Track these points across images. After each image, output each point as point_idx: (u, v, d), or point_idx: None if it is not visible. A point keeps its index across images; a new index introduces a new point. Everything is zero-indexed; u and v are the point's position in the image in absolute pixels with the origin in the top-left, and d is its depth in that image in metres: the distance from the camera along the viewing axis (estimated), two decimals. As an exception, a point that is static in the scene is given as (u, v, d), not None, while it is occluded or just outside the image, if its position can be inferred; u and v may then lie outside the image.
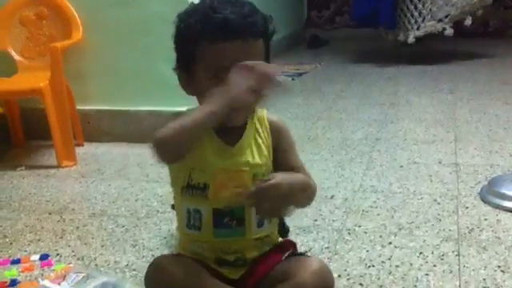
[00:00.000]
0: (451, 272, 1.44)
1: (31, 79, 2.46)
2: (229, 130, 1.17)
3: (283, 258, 1.20)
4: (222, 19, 1.08)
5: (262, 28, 1.13)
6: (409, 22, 4.22)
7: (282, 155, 1.23)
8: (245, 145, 1.18)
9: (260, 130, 1.21)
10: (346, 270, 1.47)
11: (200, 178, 1.16)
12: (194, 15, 1.13)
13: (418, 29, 4.19)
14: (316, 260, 1.19)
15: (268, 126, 1.22)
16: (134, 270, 1.52)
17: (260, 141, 1.20)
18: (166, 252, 1.58)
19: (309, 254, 1.55)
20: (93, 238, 1.73)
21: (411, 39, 4.17)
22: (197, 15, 1.12)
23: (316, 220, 1.77)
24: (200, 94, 1.13)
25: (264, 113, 1.23)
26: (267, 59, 1.16)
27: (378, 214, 1.79)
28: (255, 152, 1.19)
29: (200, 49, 1.10)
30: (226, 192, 1.15)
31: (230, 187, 1.15)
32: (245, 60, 1.08)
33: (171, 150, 1.11)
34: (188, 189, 1.19)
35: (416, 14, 4.17)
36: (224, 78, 1.07)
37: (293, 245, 1.29)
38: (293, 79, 3.96)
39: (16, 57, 2.63)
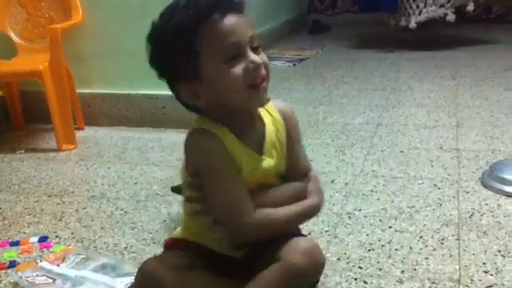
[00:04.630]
0: (451, 256, 1.43)
1: (30, 61, 2.45)
2: (247, 129, 1.14)
3: None
4: (214, 1, 1.06)
5: (243, 4, 1.11)
6: (410, 7, 4.18)
7: (290, 148, 1.22)
8: (269, 147, 1.17)
9: (279, 126, 1.19)
10: (345, 254, 1.46)
11: None
12: (179, 12, 1.07)
13: (419, 14, 4.16)
14: (305, 240, 1.17)
15: (281, 118, 1.20)
16: (133, 252, 1.52)
17: (281, 138, 1.19)
18: (165, 235, 1.58)
19: (307, 237, 1.56)
20: (92, 221, 1.73)
21: (413, 24, 4.14)
22: (182, 10, 1.07)
23: (316, 204, 1.76)
24: (219, 92, 1.07)
25: (270, 102, 1.17)
26: None
27: (378, 199, 1.79)
28: (278, 150, 1.18)
29: (201, 36, 1.05)
30: None
31: None
32: (249, 33, 1.06)
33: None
34: None
35: (418, -2, 4.14)
36: (237, 56, 1.05)
37: (296, 228, 1.28)
38: (294, 64, 3.94)
39: (15, 39, 2.61)
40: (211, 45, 1.05)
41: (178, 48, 1.07)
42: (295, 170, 1.22)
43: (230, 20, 1.06)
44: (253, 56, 1.07)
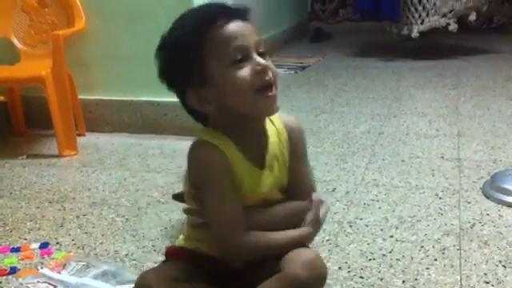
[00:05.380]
0: (452, 266, 1.43)
1: (33, 67, 2.45)
2: (251, 141, 1.13)
3: None
4: (219, 5, 1.09)
5: (247, 12, 1.13)
6: (413, 16, 4.19)
7: (293, 163, 1.19)
8: (271, 160, 1.16)
9: (281, 138, 1.18)
10: (346, 263, 1.46)
11: None
12: (185, 22, 1.10)
13: (421, 23, 4.17)
14: (308, 251, 1.16)
15: (285, 130, 1.18)
16: (134, 259, 1.52)
17: (283, 150, 1.17)
18: (166, 242, 1.58)
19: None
20: (93, 227, 1.73)
21: (415, 33, 4.15)
22: (188, 20, 1.10)
23: (317, 212, 1.76)
24: (227, 97, 1.07)
25: (277, 115, 1.17)
26: None
27: (380, 208, 1.79)
28: (280, 163, 1.17)
29: (208, 40, 1.06)
30: None
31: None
32: (254, 38, 1.07)
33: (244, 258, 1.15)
34: None
35: (420, 8, 4.15)
36: (243, 59, 1.06)
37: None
38: (296, 72, 3.95)
39: (18, 44, 2.62)
40: (217, 48, 1.06)
41: (185, 54, 1.08)
42: (298, 187, 1.19)
43: (235, 25, 1.07)
44: (259, 59, 1.07)
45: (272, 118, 1.17)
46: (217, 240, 1.13)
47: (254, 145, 1.14)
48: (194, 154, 1.12)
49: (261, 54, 1.09)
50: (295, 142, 1.19)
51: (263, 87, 1.07)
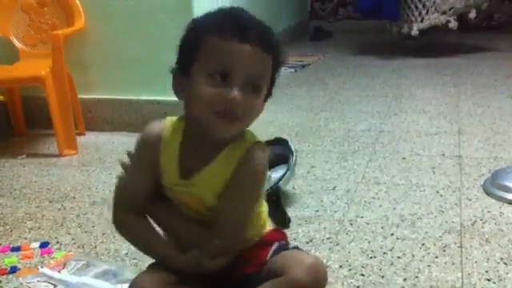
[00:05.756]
0: (453, 264, 1.43)
1: (32, 67, 2.45)
2: (200, 150, 1.11)
3: (268, 257, 1.16)
4: (237, 19, 1.05)
5: (275, 45, 1.08)
6: (412, 14, 4.19)
7: (227, 195, 1.11)
8: (202, 180, 1.11)
9: (230, 166, 1.10)
10: (347, 261, 1.46)
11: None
12: (210, 16, 1.09)
13: (421, 21, 4.17)
14: (310, 255, 1.15)
15: (240, 161, 1.09)
16: (134, 258, 1.52)
17: (223, 175, 1.11)
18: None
19: (309, 244, 1.55)
20: (93, 227, 1.72)
21: (415, 31, 4.14)
22: (212, 16, 1.09)
23: (317, 211, 1.76)
24: (191, 97, 1.07)
25: (252, 135, 1.12)
26: (270, 91, 1.11)
27: (380, 206, 1.78)
28: (211, 187, 1.11)
29: (205, 43, 1.04)
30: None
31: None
32: (252, 69, 1.04)
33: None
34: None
35: (420, 6, 4.14)
36: (221, 84, 1.02)
37: (280, 235, 1.25)
38: (296, 71, 3.94)
39: (17, 44, 2.62)
40: (208, 57, 1.04)
41: (187, 44, 1.09)
42: (220, 217, 1.11)
43: (241, 46, 1.03)
44: (236, 93, 1.02)
45: (249, 141, 1.11)
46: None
47: (199, 157, 1.11)
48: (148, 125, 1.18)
49: (252, 87, 1.04)
50: (242, 179, 1.10)
51: (223, 112, 1.03)
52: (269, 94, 1.11)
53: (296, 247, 1.23)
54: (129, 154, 1.21)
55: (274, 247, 1.18)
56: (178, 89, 1.11)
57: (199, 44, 1.06)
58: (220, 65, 1.03)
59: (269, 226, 1.25)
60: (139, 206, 1.17)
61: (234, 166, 1.10)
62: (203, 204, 1.14)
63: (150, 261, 1.45)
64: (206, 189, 1.12)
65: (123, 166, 1.21)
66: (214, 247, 1.11)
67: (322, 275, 1.12)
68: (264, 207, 1.23)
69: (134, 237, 1.20)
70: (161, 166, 1.14)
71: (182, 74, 1.09)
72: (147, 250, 1.20)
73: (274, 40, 1.09)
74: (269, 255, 1.17)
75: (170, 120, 1.16)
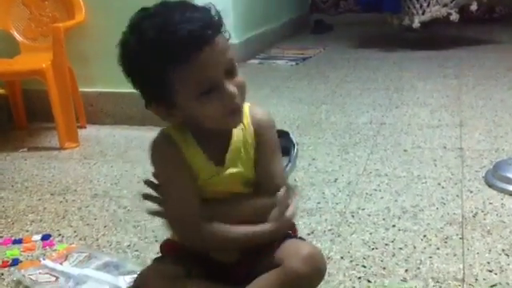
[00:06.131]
0: (455, 255, 1.43)
1: (33, 60, 2.45)
2: (213, 138, 1.12)
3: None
4: (185, 35, 0.98)
5: (217, 23, 1.05)
6: (414, 7, 4.17)
7: (261, 159, 1.15)
8: (233, 158, 1.13)
9: (246, 133, 1.14)
10: (349, 252, 1.46)
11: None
12: (150, 44, 1.01)
13: (423, 14, 4.15)
14: (308, 245, 1.15)
15: (252, 126, 1.14)
16: (136, 250, 1.52)
17: (247, 147, 1.14)
18: (167, 233, 1.57)
19: (311, 235, 1.55)
20: (95, 219, 1.73)
21: (416, 24, 4.13)
22: (153, 43, 1.01)
23: (319, 203, 1.76)
24: (194, 119, 1.06)
25: (246, 108, 1.14)
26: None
27: (382, 198, 1.78)
28: (244, 159, 1.14)
29: (177, 74, 1.01)
30: None
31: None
32: (224, 59, 1.03)
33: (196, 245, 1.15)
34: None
35: (421, -2, 4.14)
36: (213, 95, 1.02)
37: (290, 227, 1.24)
38: (297, 64, 3.94)
39: (18, 37, 2.61)
40: (186, 82, 1.02)
41: (152, 81, 1.04)
42: (266, 183, 1.15)
43: (205, 55, 1.00)
44: (228, 87, 1.03)
45: (245, 107, 1.13)
46: (174, 229, 1.16)
47: (216, 143, 1.12)
48: (152, 147, 1.14)
49: (230, 72, 1.04)
50: (263, 138, 1.15)
51: (232, 113, 1.06)
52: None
53: (299, 238, 1.23)
54: (146, 181, 1.18)
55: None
56: (165, 117, 1.09)
57: (169, 78, 1.02)
58: (204, 83, 1.02)
59: None
60: (198, 215, 1.12)
61: (250, 133, 1.13)
62: (241, 181, 1.15)
63: (152, 253, 1.46)
64: (242, 163, 1.14)
65: (156, 190, 1.18)
66: (283, 198, 1.12)
67: (320, 265, 1.11)
68: None
69: (222, 238, 1.12)
70: (192, 166, 1.11)
71: (166, 106, 1.06)
72: (246, 240, 1.13)
73: (214, 17, 1.05)
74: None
75: (167, 128, 1.14)
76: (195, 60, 1.00)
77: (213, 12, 1.05)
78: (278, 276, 1.08)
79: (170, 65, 1.00)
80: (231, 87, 1.04)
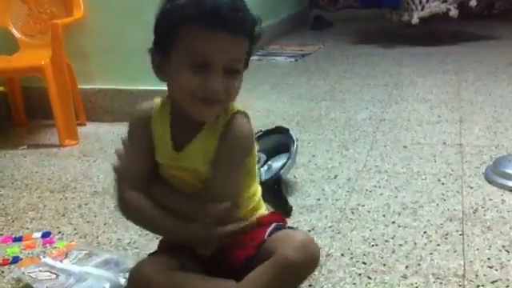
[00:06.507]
0: (455, 251, 1.43)
1: (32, 57, 2.44)
2: (188, 125, 1.14)
3: (266, 236, 1.17)
4: (214, 6, 1.03)
5: (251, 27, 1.08)
6: (413, 3, 4.17)
7: (218, 167, 1.14)
8: (192, 150, 1.14)
9: (216, 134, 1.13)
10: (349, 249, 1.46)
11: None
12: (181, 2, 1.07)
13: (422, 9, 4.15)
14: (300, 233, 1.16)
15: (227, 130, 1.13)
16: (136, 247, 1.52)
17: (209, 145, 1.14)
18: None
19: (311, 232, 1.55)
20: (95, 216, 1.72)
21: (415, 20, 4.13)
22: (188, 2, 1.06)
23: (319, 199, 1.76)
24: (171, 81, 1.10)
25: (236, 115, 1.14)
26: (246, 63, 1.12)
27: (382, 194, 1.78)
28: (201, 158, 1.14)
29: (183, 33, 1.05)
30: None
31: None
32: (231, 55, 1.05)
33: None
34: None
35: (420, -6, 4.14)
36: (200, 72, 1.05)
37: (277, 217, 1.27)
38: (296, 60, 3.93)
39: (17, 34, 2.61)
40: (185, 46, 1.06)
41: (165, 29, 1.09)
42: (211, 188, 1.15)
43: (218, 35, 1.03)
44: (218, 79, 1.05)
45: (232, 111, 1.15)
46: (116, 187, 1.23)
47: (186, 131, 1.15)
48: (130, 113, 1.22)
49: (231, 71, 1.07)
50: (227, 147, 1.13)
51: (204, 100, 1.07)
52: (245, 67, 1.13)
53: (291, 227, 1.24)
54: (123, 140, 1.23)
55: (271, 228, 1.20)
56: (157, 68, 1.13)
57: (177, 32, 1.06)
58: (199, 55, 1.05)
59: (265, 210, 1.27)
60: (141, 185, 1.18)
61: (217, 136, 1.14)
62: (198, 177, 1.16)
63: (151, 250, 1.45)
64: (198, 159, 1.14)
65: (118, 152, 1.23)
66: (211, 211, 1.13)
67: (312, 252, 1.12)
68: (258, 189, 1.25)
69: (140, 214, 1.19)
70: (154, 141, 1.17)
71: (161, 55, 1.10)
72: (155, 225, 1.20)
73: (249, 21, 1.09)
74: (266, 235, 1.17)
75: (157, 100, 1.20)
76: (207, 32, 1.03)
77: (256, 21, 1.10)
78: (273, 265, 1.09)
79: (185, 19, 1.05)
80: (220, 82, 1.06)
